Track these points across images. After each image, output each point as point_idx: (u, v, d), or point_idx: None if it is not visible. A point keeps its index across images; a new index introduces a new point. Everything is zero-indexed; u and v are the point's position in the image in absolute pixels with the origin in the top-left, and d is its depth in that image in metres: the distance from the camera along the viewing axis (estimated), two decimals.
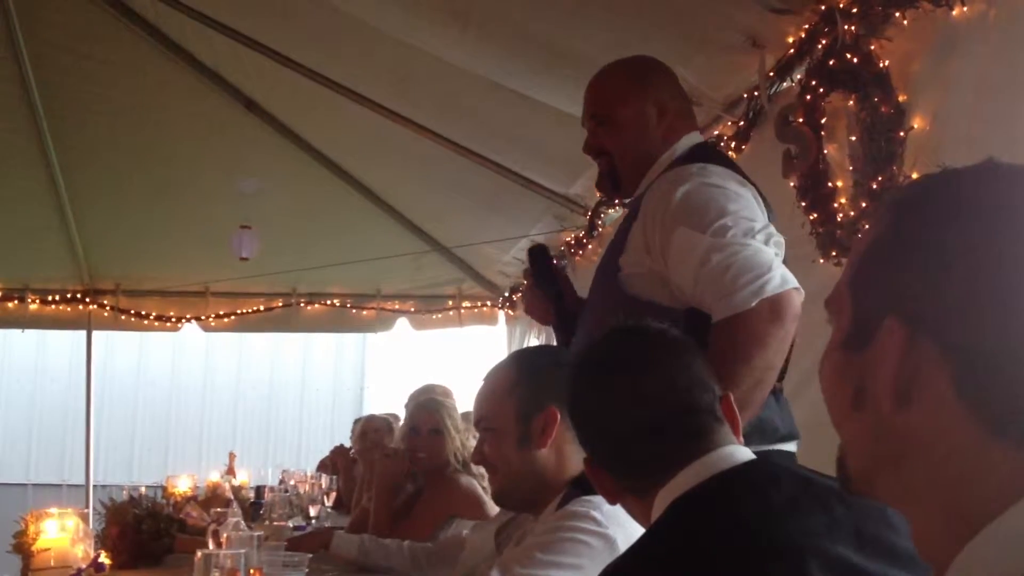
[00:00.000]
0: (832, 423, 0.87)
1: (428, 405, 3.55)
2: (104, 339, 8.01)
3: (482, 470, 3.20)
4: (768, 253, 1.88)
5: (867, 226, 0.90)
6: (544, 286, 2.46)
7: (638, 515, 1.43)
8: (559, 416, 1.89)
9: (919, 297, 0.79)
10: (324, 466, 6.23)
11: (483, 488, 3.37)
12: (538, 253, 2.53)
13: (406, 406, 4.10)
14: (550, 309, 2.45)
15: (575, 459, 1.86)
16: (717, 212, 1.91)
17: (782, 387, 2.05)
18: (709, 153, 2.20)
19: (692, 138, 2.21)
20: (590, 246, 5.12)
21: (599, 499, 1.72)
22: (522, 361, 2.07)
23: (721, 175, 2.02)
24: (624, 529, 1.66)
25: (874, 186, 2.57)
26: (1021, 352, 0.75)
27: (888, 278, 0.81)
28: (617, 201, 3.91)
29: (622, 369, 1.42)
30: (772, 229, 1.96)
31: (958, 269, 0.77)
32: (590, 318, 2.21)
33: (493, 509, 3.15)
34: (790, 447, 2.02)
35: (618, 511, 1.60)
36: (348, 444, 5.60)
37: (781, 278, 1.84)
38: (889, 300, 0.80)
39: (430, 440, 3.44)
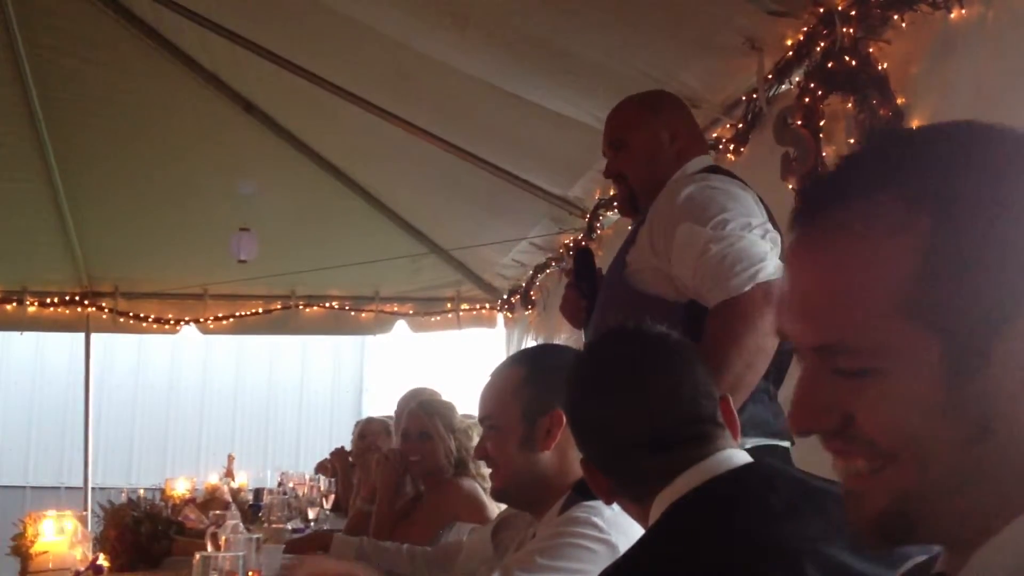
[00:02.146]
0: (910, 469, 0.73)
1: (415, 410, 3.56)
2: (102, 341, 8.00)
3: (484, 472, 3.20)
4: (763, 245, 1.98)
5: (854, 254, 0.73)
6: (583, 288, 2.52)
7: (635, 516, 1.43)
8: (565, 419, 1.87)
9: None
10: (323, 468, 6.23)
11: (484, 490, 3.37)
12: (583, 255, 2.64)
13: (395, 413, 4.11)
14: (583, 312, 2.49)
15: (578, 462, 1.86)
16: (718, 208, 2.03)
17: (776, 392, 2.07)
18: (716, 171, 2.31)
19: (702, 160, 2.35)
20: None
21: (601, 504, 1.72)
22: (531, 360, 2.04)
23: (723, 180, 2.16)
24: (626, 535, 1.65)
25: None
26: None
27: (988, 275, 0.69)
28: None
29: (623, 376, 1.40)
30: (769, 226, 2.05)
31: None
32: (600, 315, 2.32)
33: (495, 513, 3.15)
34: (785, 443, 2.05)
35: (620, 517, 1.60)
36: (348, 447, 5.60)
37: (775, 267, 1.94)
38: (1009, 295, 0.69)
39: (421, 444, 3.45)
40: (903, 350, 0.71)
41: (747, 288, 1.91)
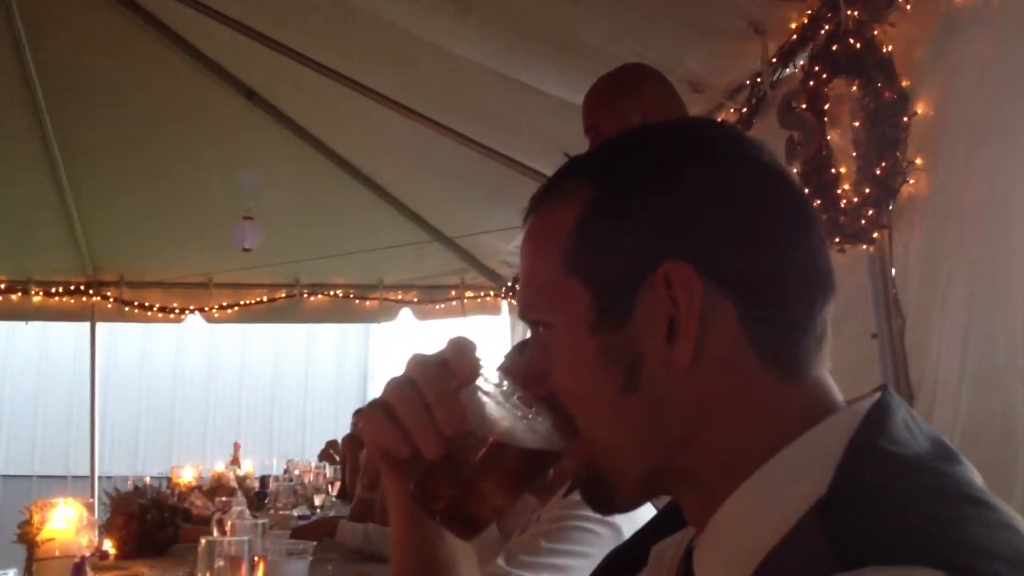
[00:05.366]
0: (586, 431, 0.76)
1: None
2: (108, 331, 8.02)
3: None
4: None
5: (539, 213, 0.81)
6: None
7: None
8: None
9: (686, 234, 0.72)
10: (327, 456, 6.25)
11: None
12: None
13: None
14: None
15: None
16: None
17: None
18: None
19: None
20: None
21: None
22: None
23: None
24: (630, 518, 1.65)
25: (877, 172, 2.57)
26: (790, 277, 0.72)
27: (632, 235, 0.74)
28: None
29: None
30: None
31: (714, 197, 0.73)
32: None
33: None
34: None
35: None
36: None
37: None
38: (647, 253, 0.73)
39: None
40: (565, 303, 0.76)
41: None
